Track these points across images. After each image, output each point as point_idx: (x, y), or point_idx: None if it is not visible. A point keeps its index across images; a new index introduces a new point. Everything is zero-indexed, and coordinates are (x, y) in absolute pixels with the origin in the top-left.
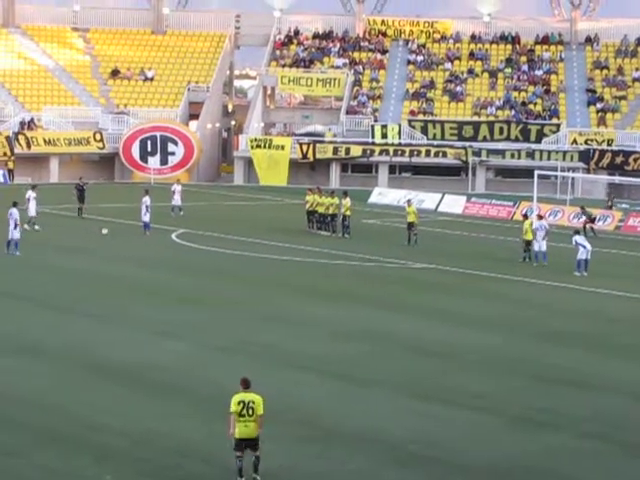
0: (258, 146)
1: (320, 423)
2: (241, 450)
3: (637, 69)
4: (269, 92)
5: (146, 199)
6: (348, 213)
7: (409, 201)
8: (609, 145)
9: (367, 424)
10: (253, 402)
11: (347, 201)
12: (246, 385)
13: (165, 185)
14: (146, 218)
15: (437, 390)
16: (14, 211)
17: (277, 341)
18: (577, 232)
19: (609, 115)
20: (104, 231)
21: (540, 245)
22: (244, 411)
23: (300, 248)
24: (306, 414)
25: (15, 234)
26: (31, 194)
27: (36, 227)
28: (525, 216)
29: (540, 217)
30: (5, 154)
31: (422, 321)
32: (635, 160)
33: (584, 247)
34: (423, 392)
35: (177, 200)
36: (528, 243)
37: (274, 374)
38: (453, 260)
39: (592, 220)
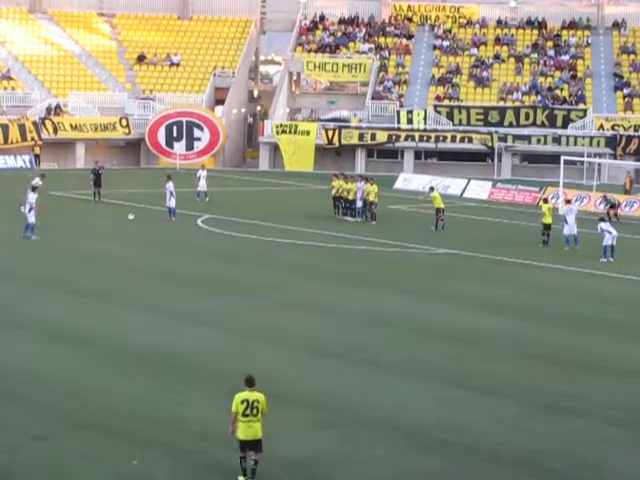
0: (284, 132)
1: (345, 409)
2: (245, 451)
3: None
4: (295, 78)
5: (169, 185)
6: (374, 199)
7: (432, 188)
8: (636, 131)
9: (392, 410)
10: (257, 401)
11: (374, 187)
12: (250, 384)
13: (191, 170)
14: (171, 203)
15: (462, 375)
16: (30, 195)
17: (303, 328)
18: (602, 219)
19: (636, 100)
20: (130, 216)
21: (571, 229)
22: (248, 411)
23: (326, 234)
24: (332, 400)
25: (31, 218)
26: (38, 182)
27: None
28: (545, 200)
29: (568, 201)
30: (32, 139)
31: (445, 306)
32: None
33: (610, 233)
34: (448, 377)
35: (203, 186)
36: (547, 227)
37: (301, 360)
38: (477, 246)
39: (613, 207)
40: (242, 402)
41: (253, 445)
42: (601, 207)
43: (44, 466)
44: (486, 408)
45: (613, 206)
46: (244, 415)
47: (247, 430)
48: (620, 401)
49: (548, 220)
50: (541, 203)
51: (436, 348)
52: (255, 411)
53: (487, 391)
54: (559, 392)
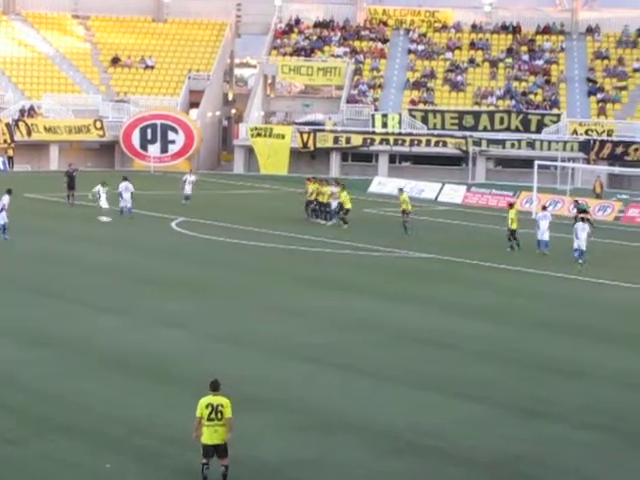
0: (258, 135)
1: (321, 412)
2: (209, 457)
3: (638, 59)
4: (269, 81)
5: (123, 185)
6: (348, 205)
7: (401, 190)
8: (609, 135)
9: (367, 413)
10: (222, 405)
11: (345, 194)
12: (215, 388)
13: (168, 173)
14: (122, 203)
15: (437, 379)
16: (5, 197)
17: (278, 331)
18: (582, 219)
19: (609, 105)
20: (104, 219)
21: (542, 233)
22: (212, 415)
23: (300, 237)
24: (307, 403)
25: (2, 219)
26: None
27: None
28: (511, 205)
29: (544, 208)
30: (5, 141)
31: (419, 310)
32: (635, 150)
33: (577, 237)
34: (423, 381)
35: (188, 190)
36: (513, 232)
37: (276, 364)
38: (452, 250)
39: (584, 212)
40: (207, 406)
41: (219, 450)
42: (574, 212)
43: (17, 469)
44: (461, 412)
45: (583, 211)
46: (209, 419)
47: (212, 435)
48: (593, 405)
49: (514, 225)
50: (507, 207)
51: (411, 352)
52: (220, 415)
53: (462, 395)
54: (533, 396)
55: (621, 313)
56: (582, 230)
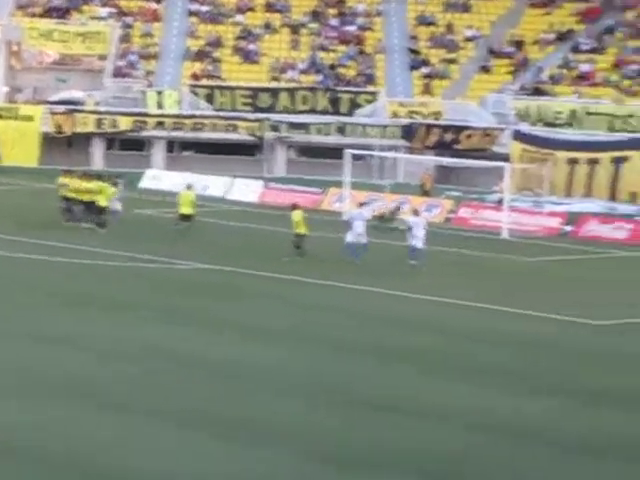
0: (0, 117)
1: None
2: None
3: (470, 26)
4: (14, 48)
5: None
6: (106, 204)
7: (189, 186)
8: (437, 119)
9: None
10: None
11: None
12: None
13: None
14: None
15: (213, 420)
16: None
17: (23, 362)
18: (414, 211)
19: (436, 82)
20: None
21: (357, 236)
22: None
23: (51, 244)
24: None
25: None
26: None
27: None
28: (294, 206)
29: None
30: None
31: (200, 333)
32: (468, 137)
33: (412, 234)
34: (197, 421)
35: None
36: (301, 237)
37: (25, 399)
38: (238, 259)
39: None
40: None
41: None
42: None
43: None
44: (244, 460)
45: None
46: None
47: None
48: (420, 449)
49: (302, 230)
50: (291, 209)
51: (190, 385)
52: None
53: (248, 442)
54: (345, 443)
55: (447, 334)
56: (417, 226)
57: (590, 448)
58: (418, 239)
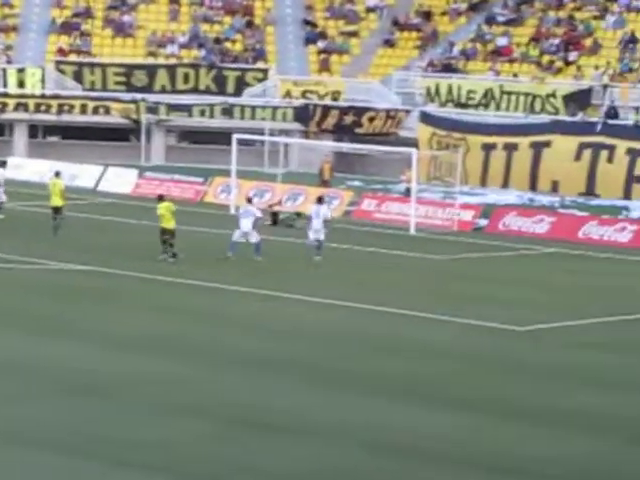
0: None
1: None
2: None
3: None
4: None
5: None
6: None
7: (57, 174)
8: (335, 100)
9: None
10: None
11: None
12: None
13: None
14: None
15: (86, 441)
16: None
17: None
18: (319, 199)
19: (335, 58)
20: None
21: (244, 234)
22: None
23: None
24: None
25: None
26: None
27: None
28: (161, 197)
29: (249, 200)
30: None
31: (69, 345)
32: (370, 120)
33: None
34: (80, 448)
35: None
36: (167, 232)
37: None
38: (114, 259)
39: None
40: None
41: None
42: (289, 203)
43: None
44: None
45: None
46: None
47: None
48: (311, 469)
49: (170, 224)
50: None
51: (61, 406)
52: None
53: (127, 463)
54: (232, 463)
55: (328, 342)
56: (316, 215)
57: (499, 469)
58: (319, 232)
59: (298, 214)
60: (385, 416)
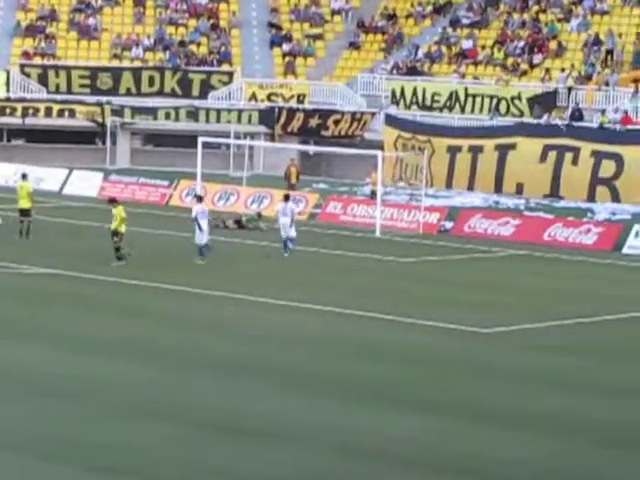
0: None
1: None
2: None
3: None
4: None
5: None
6: None
7: (24, 176)
8: (301, 102)
9: None
10: None
11: None
12: None
13: None
14: None
15: (55, 444)
16: None
17: None
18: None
19: (300, 61)
20: None
21: (202, 236)
22: None
23: None
24: None
25: None
26: None
27: None
28: (113, 200)
29: (200, 199)
30: None
31: (42, 349)
32: (335, 123)
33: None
34: (48, 452)
35: None
36: (116, 234)
37: None
38: (82, 262)
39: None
40: None
41: None
42: (254, 207)
43: None
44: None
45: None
46: None
47: None
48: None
49: (121, 227)
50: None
51: (37, 409)
52: None
53: (87, 464)
54: (202, 466)
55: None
56: (283, 213)
57: (468, 471)
58: (287, 227)
59: (259, 215)
60: (354, 419)
